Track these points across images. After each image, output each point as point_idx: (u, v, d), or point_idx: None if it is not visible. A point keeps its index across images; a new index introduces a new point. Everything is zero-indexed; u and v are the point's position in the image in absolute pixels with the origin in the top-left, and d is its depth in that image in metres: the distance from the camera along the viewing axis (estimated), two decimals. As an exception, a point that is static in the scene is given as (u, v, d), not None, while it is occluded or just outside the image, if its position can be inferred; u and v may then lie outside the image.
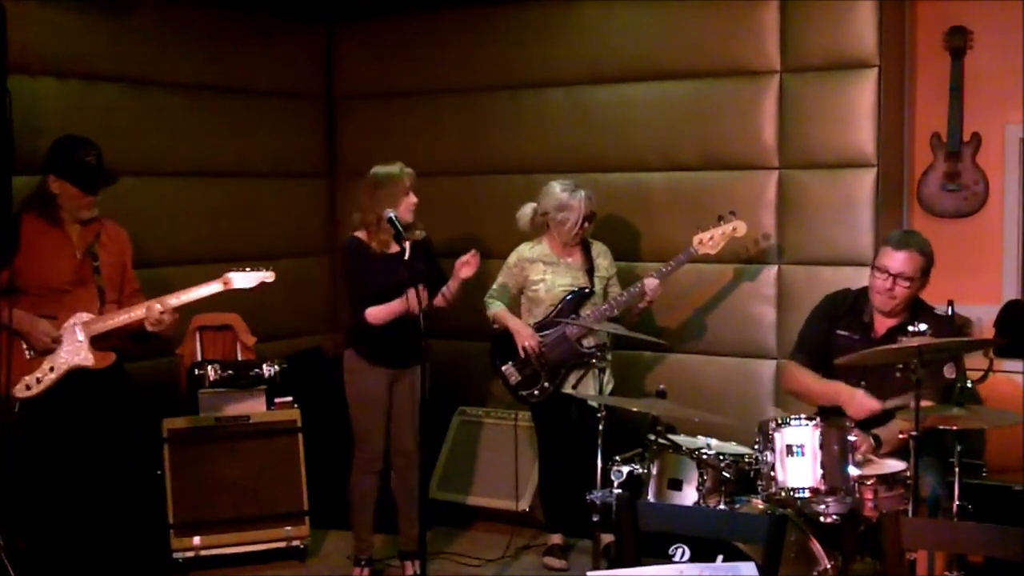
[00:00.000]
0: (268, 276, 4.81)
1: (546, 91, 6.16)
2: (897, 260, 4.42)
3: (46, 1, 5.19)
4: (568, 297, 5.35)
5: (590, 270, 5.40)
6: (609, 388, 5.28)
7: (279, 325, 6.04)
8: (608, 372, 5.24)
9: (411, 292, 4.72)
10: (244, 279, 4.76)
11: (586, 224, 5.31)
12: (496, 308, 5.44)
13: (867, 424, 4.31)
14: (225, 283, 4.72)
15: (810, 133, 5.52)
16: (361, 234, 5.09)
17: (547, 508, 5.62)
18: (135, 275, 4.89)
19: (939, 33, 5.51)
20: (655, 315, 5.73)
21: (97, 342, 4.61)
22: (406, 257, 4.76)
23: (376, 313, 5.00)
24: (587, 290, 5.37)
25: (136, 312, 4.62)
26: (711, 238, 5.30)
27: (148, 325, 4.61)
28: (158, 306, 4.60)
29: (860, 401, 4.38)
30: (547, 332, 5.35)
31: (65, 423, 4.59)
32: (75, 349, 4.57)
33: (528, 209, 5.43)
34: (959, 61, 5.48)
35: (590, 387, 5.25)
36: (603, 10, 5.97)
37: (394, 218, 4.82)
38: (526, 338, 5.33)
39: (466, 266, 5.07)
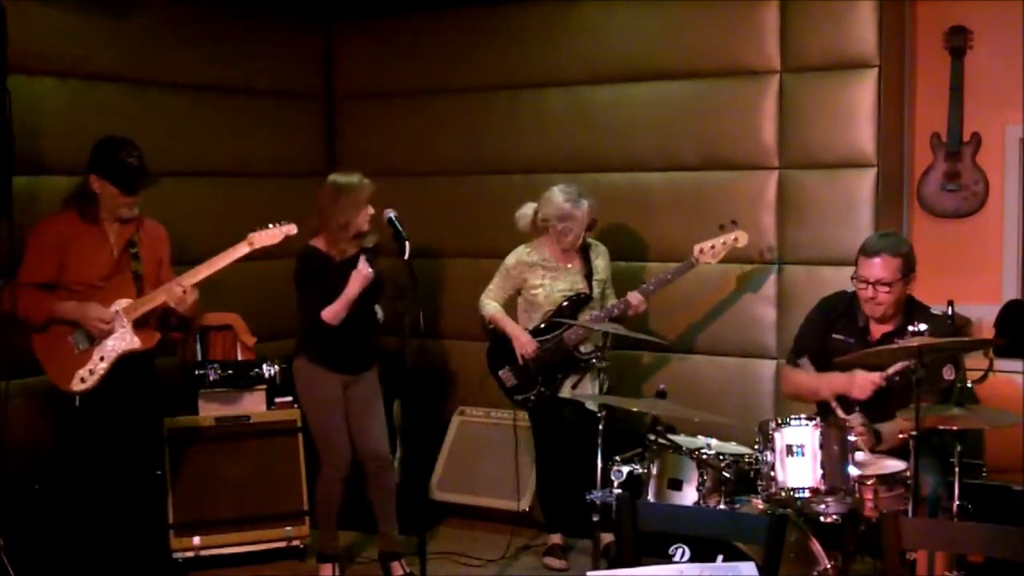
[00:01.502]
0: (291, 229, 4.81)
1: (546, 91, 6.15)
2: (872, 267, 4.38)
3: (46, 1, 5.18)
4: (569, 300, 5.35)
5: (588, 275, 5.38)
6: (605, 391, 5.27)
7: (279, 325, 6.02)
8: (605, 376, 5.22)
9: (361, 264, 4.86)
10: (268, 236, 4.77)
11: (587, 233, 5.31)
12: (492, 309, 5.43)
13: (873, 417, 4.29)
14: (250, 244, 4.74)
15: (810, 133, 5.52)
16: (318, 242, 5.05)
17: (546, 509, 5.62)
18: (172, 271, 4.92)
19: (939, 33, 5.51)
20: (655, 315, 5.73)
21: (138, 326, 4.64)
22: (406, 257, 4.75)
23: (332, 310, 4.93)
24: (585, 295, 5.36)
25: (166, 291, 4.64)
26: (712, 247, 5.28)
27: (172, 304, 4.64)
28: (178, 288, 4.62)
29: (861, 380, 4.34)
30: (545, 337, 5.35)
31: (116, 409, 4.63)
32: (121, 335, 4.61)
33: (528, 209, 5.41)
34: (959, 61, 5.48)
35: (588, 389, 5.25)
36: (603, 10, 5.97)
37: (394, 219, 4.83)
38: (523, 345, 5.32)
39: None
